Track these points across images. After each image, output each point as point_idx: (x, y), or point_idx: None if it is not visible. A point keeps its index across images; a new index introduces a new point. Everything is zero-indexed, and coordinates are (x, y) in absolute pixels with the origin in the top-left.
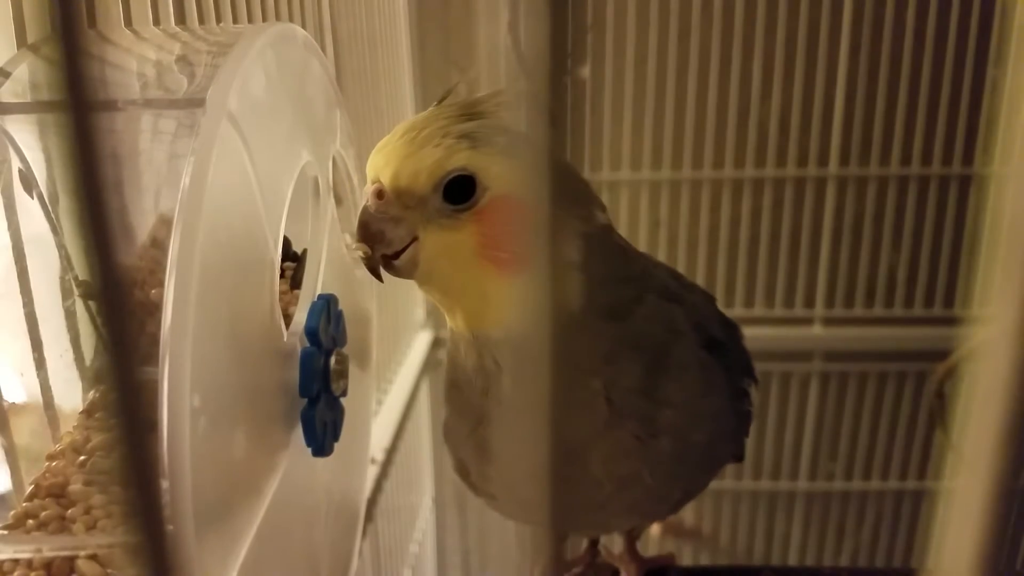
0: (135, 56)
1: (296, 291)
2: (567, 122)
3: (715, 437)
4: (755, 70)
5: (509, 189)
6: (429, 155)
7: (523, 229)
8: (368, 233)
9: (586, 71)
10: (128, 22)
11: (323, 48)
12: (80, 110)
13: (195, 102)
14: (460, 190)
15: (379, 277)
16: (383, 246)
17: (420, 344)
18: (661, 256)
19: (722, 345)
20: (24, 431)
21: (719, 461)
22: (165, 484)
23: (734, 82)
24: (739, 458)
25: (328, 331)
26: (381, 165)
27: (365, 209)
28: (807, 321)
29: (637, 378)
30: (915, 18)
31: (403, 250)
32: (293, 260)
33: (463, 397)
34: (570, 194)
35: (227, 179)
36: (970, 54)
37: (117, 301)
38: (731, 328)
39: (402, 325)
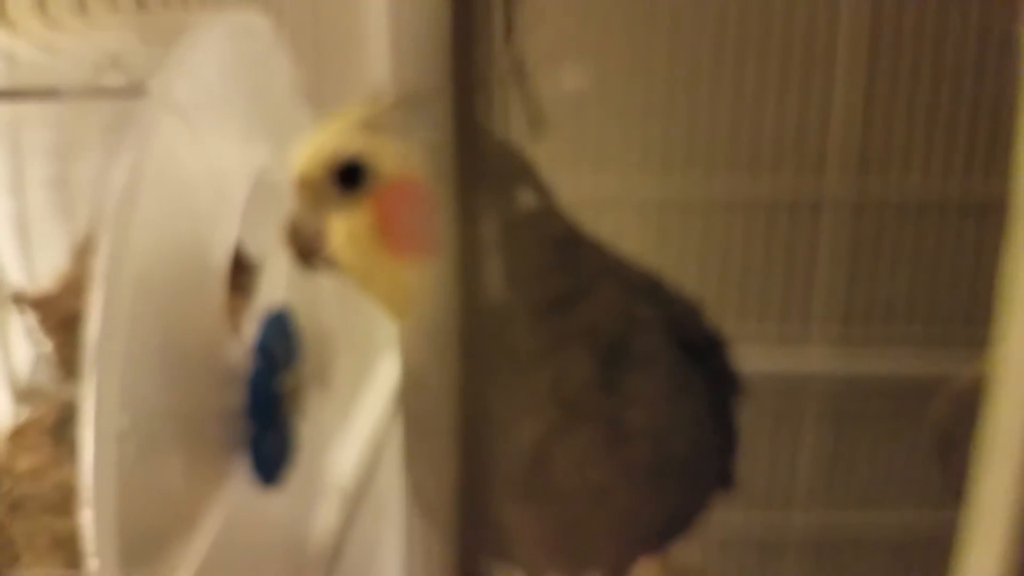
0: (77, 43)
1: (250, 304)
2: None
3: (697, 448)
4: (749, 81)
5: (407, 172)
6: (324, 142)
7: (420, 212)
8: (288, 226)
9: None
10: (83, 8)
11: (303, 47)
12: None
13: (137, 90)
14: (355, 177)
15: (308, 268)
16: (302, 237)
17: (395, 363)
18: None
19: (702, 351)
20: None
21: (705, 481)
22: (88, 512)
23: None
24: (728, 483)
25: (282, 348)
26: (294, 158)
27: (289, 204)
28: (803, 340)
29: (589, 371)
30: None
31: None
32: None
33: (410, 405)
34: (490, 175)
35: (169, 176)
36: (968, 69)
37: None
38: (717, 340)
39: (374, 342)
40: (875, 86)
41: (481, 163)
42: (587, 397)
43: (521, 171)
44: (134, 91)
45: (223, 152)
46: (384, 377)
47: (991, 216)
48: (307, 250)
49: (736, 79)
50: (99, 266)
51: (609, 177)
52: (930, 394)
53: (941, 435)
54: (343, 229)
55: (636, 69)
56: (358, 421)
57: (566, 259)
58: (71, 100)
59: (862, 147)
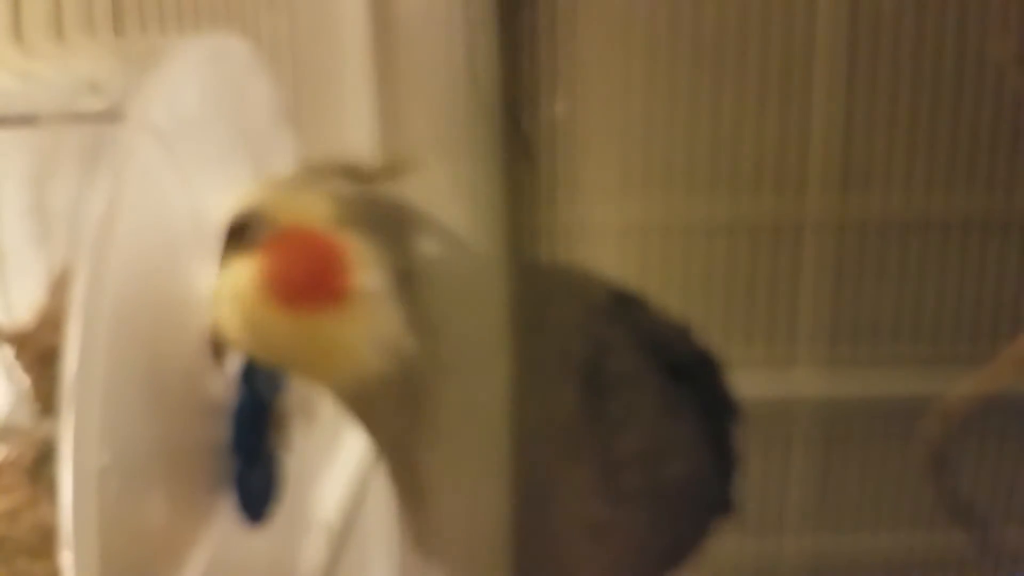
0: (54, 68)
1: None
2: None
3: (692, 475)
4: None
5: (294, 221)
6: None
7: (320, 261)
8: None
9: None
10: (60, 32)
11: (283, 73)
12: None
13: (114, 115)
14: (245, 230)
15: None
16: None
17: None
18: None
19: (691, 372)
20: None
21: (704, 508)
22: (68, 555)
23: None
24: (729, 509)
25: (266, 377)
26: None
27: None
28: (790, 362)
29: (571, 399)
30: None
31: None
32: None
33: (394, 471)
34: (376, 225)
35: (148, 203)
36: (946, 90)
37: None
38: (708, 361)
39: None
40: (854, 106)
41: (376, 214)
42: (574, 427)
43: (414, 219)
44: (111, 115)
45: (203, 178)
46: None
47: (974, 233)
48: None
49: (714, 101)
50: (75, 297)
51: (590, 203)
52: (920, 413)
53: (932, 454)
54: (227, 288)
55: (614, 94)
56: (344, 454)
57: (521, 291)
58: (48, 126)
59: (843, 167)
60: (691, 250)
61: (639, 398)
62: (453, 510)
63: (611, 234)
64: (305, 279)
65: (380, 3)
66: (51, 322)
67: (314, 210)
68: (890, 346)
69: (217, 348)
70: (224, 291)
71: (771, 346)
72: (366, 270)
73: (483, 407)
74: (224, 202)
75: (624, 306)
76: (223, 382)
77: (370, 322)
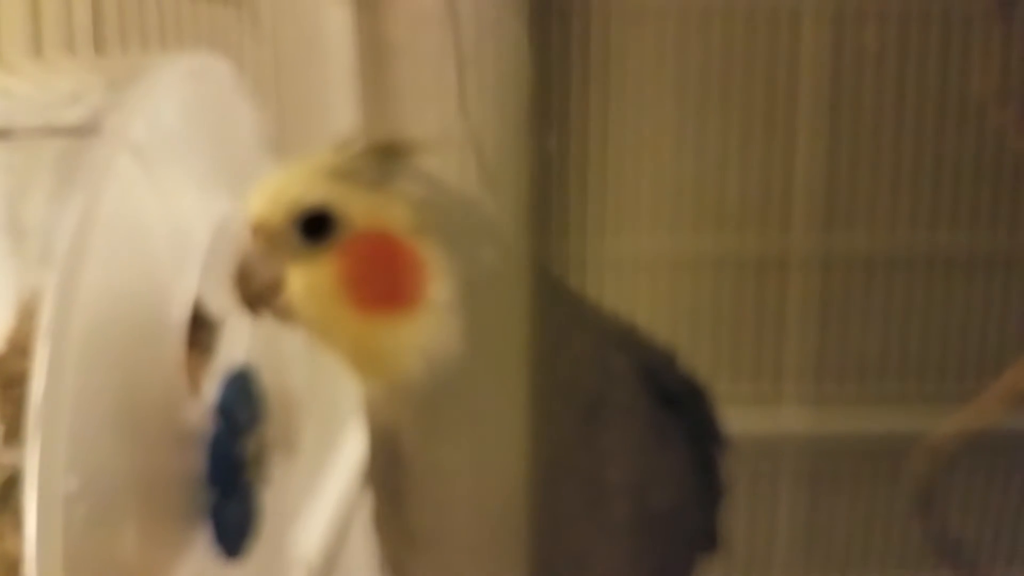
0: (32, 85)
1: (209, 362)
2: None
3: (679, 505)
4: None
5: (378, 224)
6: (287, 186)
7: (391, 268)
8: (239, 270)
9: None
10: (39, 49)
11: (266, 94)
12: None
13: (91, 129)
14: (321, 226)
15: (256, 314)
16: (254, 283)
17: (362, 429)
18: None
19: (679, 401)
20: None
21: (690, 540)
22: None
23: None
24: (714, 544)
25: (244, 410)
26: (252, 201)
27: (241, 247)
28: (776, 400)
29: (570, 429)
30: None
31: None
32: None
33: (378, 471)
34: (450, 233)
35: (123, 220)
36: (929, 127)
37: None
38: (696, 390)
39: (341, 408)
40: (838, 146)
41: (447, 218)
42: (569, 456)
43: (482, 226)
44: (88, 130)
45: (182, 198)
46: (352, 445)
47: (958, 270)
48: (255, 298)
49: (699, 141)
50: (44, 320)
51: (579, 238)
52: (906, 451)
53: (920, 492)
54: (303, 282)
55: (597, 134)
56: (325, 491)
57: (540, 315)
58: (23, 140)
59: (827, 205)
60: (679, 286)
61: (632, 428)
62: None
63: (597, 270)
64: (383, 284)
65: (366, 31)
66: (19, 347)
67: (393, 214)
68: (876, 384)
69: (193, 375)
70: (304, 288)
71: (758, 383)
72: (440, 281)
73: (494, 417)
74: (202, 223)
75: (625, 336)
76: (199, 410)
77: (433, 329)
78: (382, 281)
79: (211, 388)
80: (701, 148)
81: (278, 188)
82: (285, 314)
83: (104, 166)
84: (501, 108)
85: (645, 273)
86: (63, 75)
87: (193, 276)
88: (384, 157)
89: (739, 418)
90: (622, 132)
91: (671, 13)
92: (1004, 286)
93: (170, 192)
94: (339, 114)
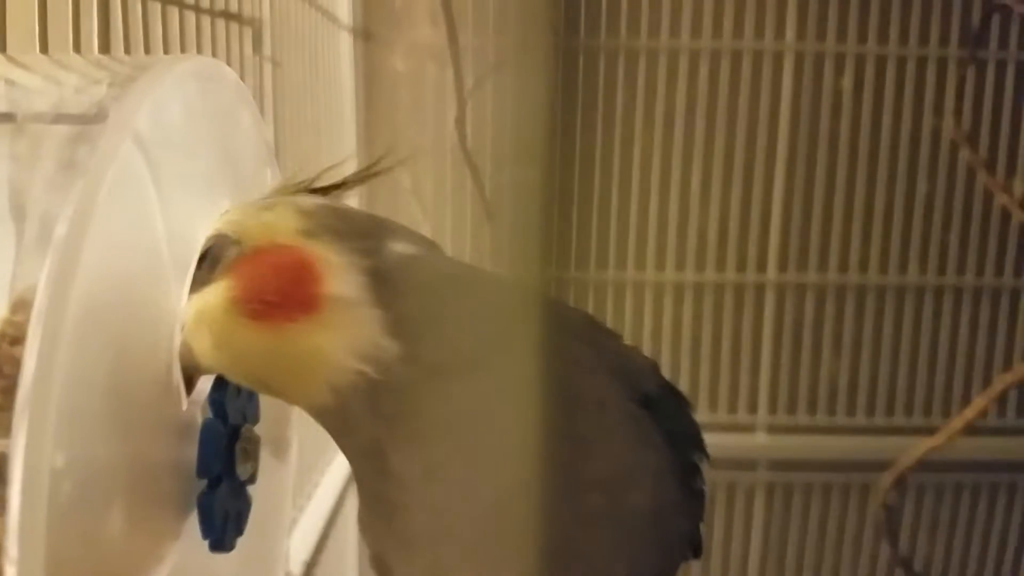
0: (39, 77)
1: None
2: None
3: (660, 504)
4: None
5: (261, 239)
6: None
7: (289, 274)
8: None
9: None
10: (44, 48)
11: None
12: None
13: (95, 117)
14: (214, 258)
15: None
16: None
17: None
18: None
19: (658, 403)
20: None
21: (671, 541)
22: (11, 565)
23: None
24: (697, 550)
25: (237, 404)
26: None
27: None
28: (750, 428)
29: (546, 420)
30: (850, 130)
31: None
32: None
33: (363, 480)
34: (342, 232)
35: (125, 210)
36: (902, 166)
37: None
38: (675, 395)
39: None
40: (813, 187)
41: (338, 220)
42: (545, 447)
43: (379, 222)
44: (92, 117)
45: (183, 194)
46: (339, 460)
47: (926, 305)
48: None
49: (683, 182)
50: (40, 294)
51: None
52: (873, 476)
53: (886, 516)
54: (193, 309)
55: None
56: (311, 503)
57: (464, 304)
58: (28, 125)
59: (800, 244)
60: (659, 317)
61: (608, 422)
62: (429, 517)
63: (581, 301)
64: (275, 291)
65: (369, 61)
66: (17, 336)
67: (279, 226)
68: (845, 411)
69: (187, 370)
70: (194, 316)
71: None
72: (337, 276)
73: (474, 410)
74: (201, 223)
75: (596, 332)
76: (191, 403)
77: (347, 328)
78: (272, 287)
79: (204, 381)
80: (686, 184)
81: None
82: (187, 359)
83: (107, 153)
84: (501, 140)
85: (631, 301)
86: (70, 69)
87: (190, 272)
88: (292, 190)
89: (713, 444)
90: (609, 168)
91: (662, 53)
92: (972, 319)
93: (171, 186)
94: (338, 140)
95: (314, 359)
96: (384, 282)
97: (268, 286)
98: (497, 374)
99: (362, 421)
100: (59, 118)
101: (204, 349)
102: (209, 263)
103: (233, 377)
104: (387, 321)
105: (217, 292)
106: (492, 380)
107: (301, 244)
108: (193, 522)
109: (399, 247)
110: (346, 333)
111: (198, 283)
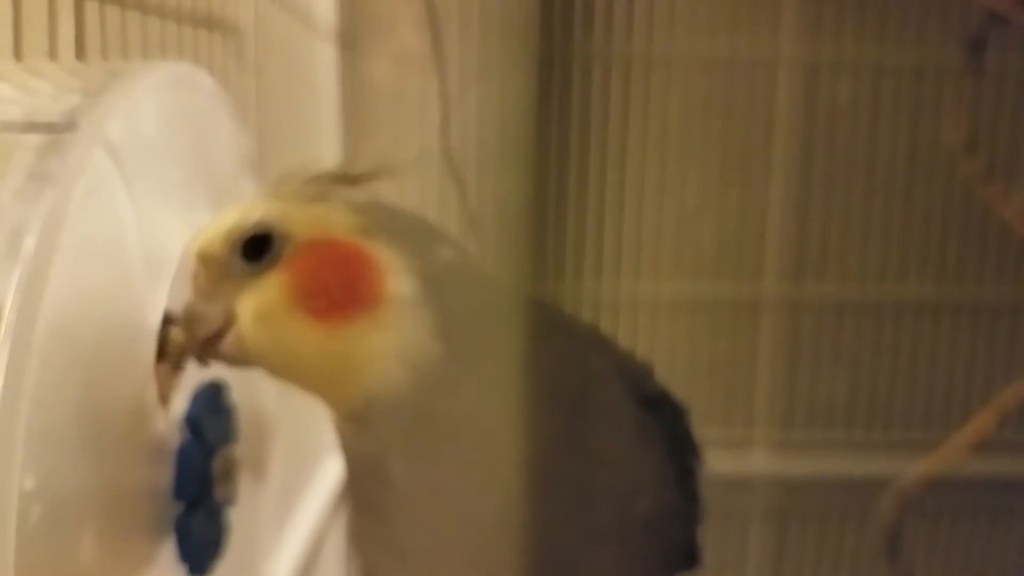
0: (10, 83)
1: (180, 374)
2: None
3: (661, 512)
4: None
5: (317, 234)
6: (227, 217)
7: (342, 272)
8: (185, 315)
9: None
10: (20, 56)
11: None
12: None
13: (66, 126)
14: (264, 247)
15: (204, 363)
16: (201, 326)
17: (337, 462)
18: None
19: (659, 410)
20: None
21: (671, 550)
22: None
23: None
24: (694, 558)
25: (214, 423)
26: (193, 239)
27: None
28: (746, 444)
29: (558, 429)
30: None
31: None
32: None
33: (361, 491)
34: (397, 233)
35: (97, 222)
36: (899, 179)
37: None
38: (674, 403)
39: (318, 435)
40: (809, 195)
41: (391, 221)
42: (555, 459)
43: (429, 228)
44: (64, 126)
45: (158, 205)
46: (325, 478)
47: (925, 318)
48: (203, 346)
49: (678, 192)
50: (8, 309)
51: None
52: (874, 494)
53: (887, 534)
54: (251, 304)
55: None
56: (295, 522)
57: (498, 312)
58: None
59: (797, 256)
60: (657, 331)
61: (617, 434)
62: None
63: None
64: (338, 288)
65: (351, 69)
66: None
67: (334, 221)
68: (843, 428)
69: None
70: (254, 310)
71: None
72: (397, 276)
73: (488, 428)
74: (178, 235)
75: (601, 339)
76: (167, 423)
77: (400, 329)
78: (335, 284)
79: (180, 400)
80: (681, 196)
81: (215, 221)
82: (237, 352)
83: (78, 163)
84: (486, 150)
85: (625, 314)
86: (43, 77)
87: (165, 285)
88: (326, 182)
89: (710, 459)
90: (603, 178)
91: (657, 61)
92: (970, 334)
93: (145, 196)
94: (320, 149)
95: (364, 359)
96: (438, 287)
97: (333, 283)
98: (516, 389)
99: (378, 427)
100: (31, 127)
101: (261, 344)
102: (253, 253)
103: (278, 373)
104: (435, 325)
105: (277, 286)
106: (511, 395)
107: (361, 241)
108: (171, 546)
109: (445, 252)
110: (399, 334)
111: (241, 272)
